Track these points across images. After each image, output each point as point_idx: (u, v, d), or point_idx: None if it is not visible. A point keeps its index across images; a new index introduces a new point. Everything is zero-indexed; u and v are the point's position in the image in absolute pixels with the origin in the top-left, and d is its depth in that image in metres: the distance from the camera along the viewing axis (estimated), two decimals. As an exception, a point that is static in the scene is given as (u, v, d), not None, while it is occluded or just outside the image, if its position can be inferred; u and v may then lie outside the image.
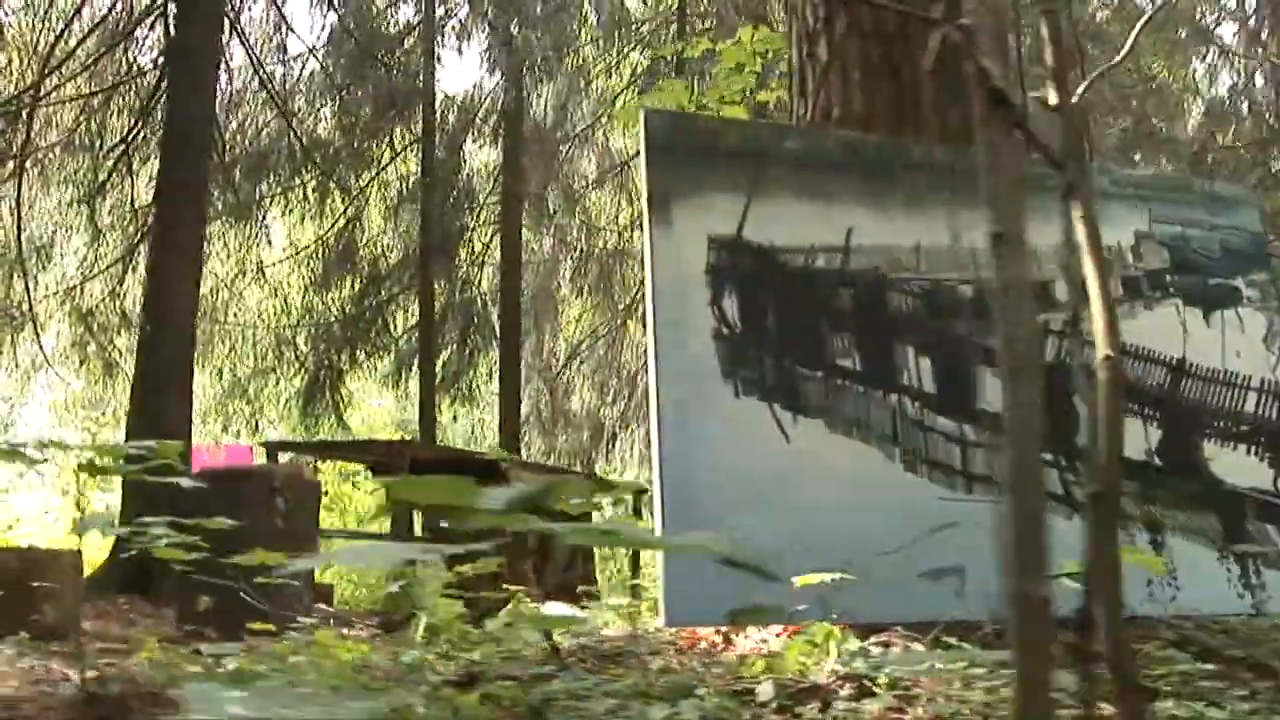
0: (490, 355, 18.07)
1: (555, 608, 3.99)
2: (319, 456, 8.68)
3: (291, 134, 15.49)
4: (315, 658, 3.59)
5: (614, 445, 22.64)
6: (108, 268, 14.68)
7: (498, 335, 17.70)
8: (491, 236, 17.36)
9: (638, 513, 11.21)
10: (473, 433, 20.45)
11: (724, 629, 3.56)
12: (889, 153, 4.26)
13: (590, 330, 21.80)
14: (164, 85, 12.92)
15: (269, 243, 16.41)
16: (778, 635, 3.60)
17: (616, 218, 21.02)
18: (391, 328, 16.61)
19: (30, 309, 14.19)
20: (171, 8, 13.04)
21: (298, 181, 16.12)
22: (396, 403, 23.98)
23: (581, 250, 20.16)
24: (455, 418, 21.62)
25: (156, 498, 9.95)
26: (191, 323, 10.98)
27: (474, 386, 17.95)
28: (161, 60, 13.47)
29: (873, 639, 3.23)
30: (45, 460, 3.27)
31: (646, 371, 3.68)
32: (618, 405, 22.61)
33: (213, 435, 16.74)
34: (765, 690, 2.85)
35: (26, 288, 14.05)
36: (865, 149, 4.25)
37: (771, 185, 4.02)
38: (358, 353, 16.30)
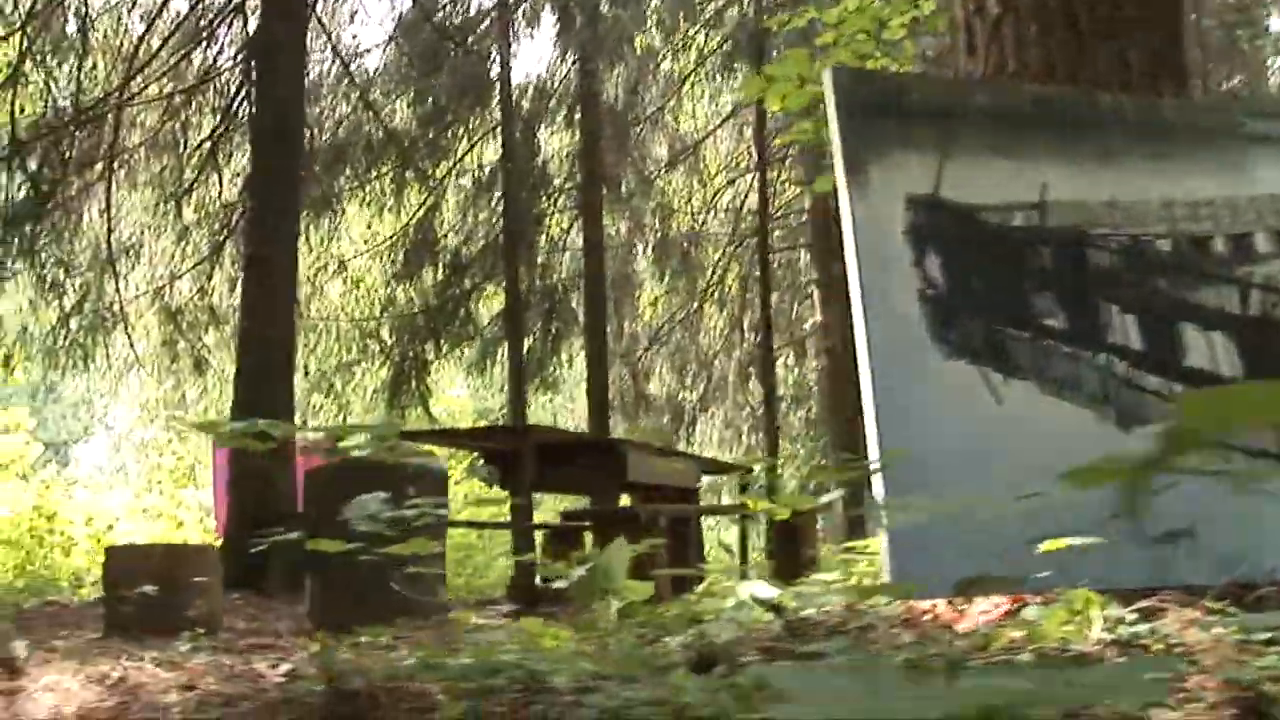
0: (571, 341, 18.01)
1: (754, 587, 3.86)
2: (438, 445, 8.59)
3: (373, 124, 15.47)
4: (526, 643, 3.50)
5: (694, 429, 22.57)
6: (195, 266, 14.71)
7: (579, 320, 17.65)
8: (571, 223, 17.29)
9: (743, 490, 11.15)
10: (554, 419, 20.39)
11: (951, 600, 3.43)
12: (1079, 105, 4.10)
13: (668, 315, 21.74)
14: (247, 81, 12.93)
15: (349, 236, 16.40)
16: (997, 606, 3.47)
17: (690, 200, 20.93)
18: (475, 316, 16.57)
19: (121, 309, 14.24)
20: (251, 2, 13.05)
21: (375, 173, 16.12)
22: (474, 392, 24.03)
23: (657, 234, 20.09)
24: (535, 406, 21.67)
25: (263, 493, 9.95)
26: (292, 315, 10.97)
27: (557, 373, 17.89)
28: (242, 56, 13.47)
29: (1135, 605, 3.07)
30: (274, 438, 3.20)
31: (854, 336, 3.54)
32: (696, 389, 22.53)
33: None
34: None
35: (117, 288, 14.11)
36: (1055, 102, 4.09)
37: (963, 142, 3.87)
38: (442, 342, 16.27)
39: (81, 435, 29.14)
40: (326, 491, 6.64)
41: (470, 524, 9.66)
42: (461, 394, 23.08)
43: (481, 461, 9.00)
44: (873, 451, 3.46)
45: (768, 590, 3.73)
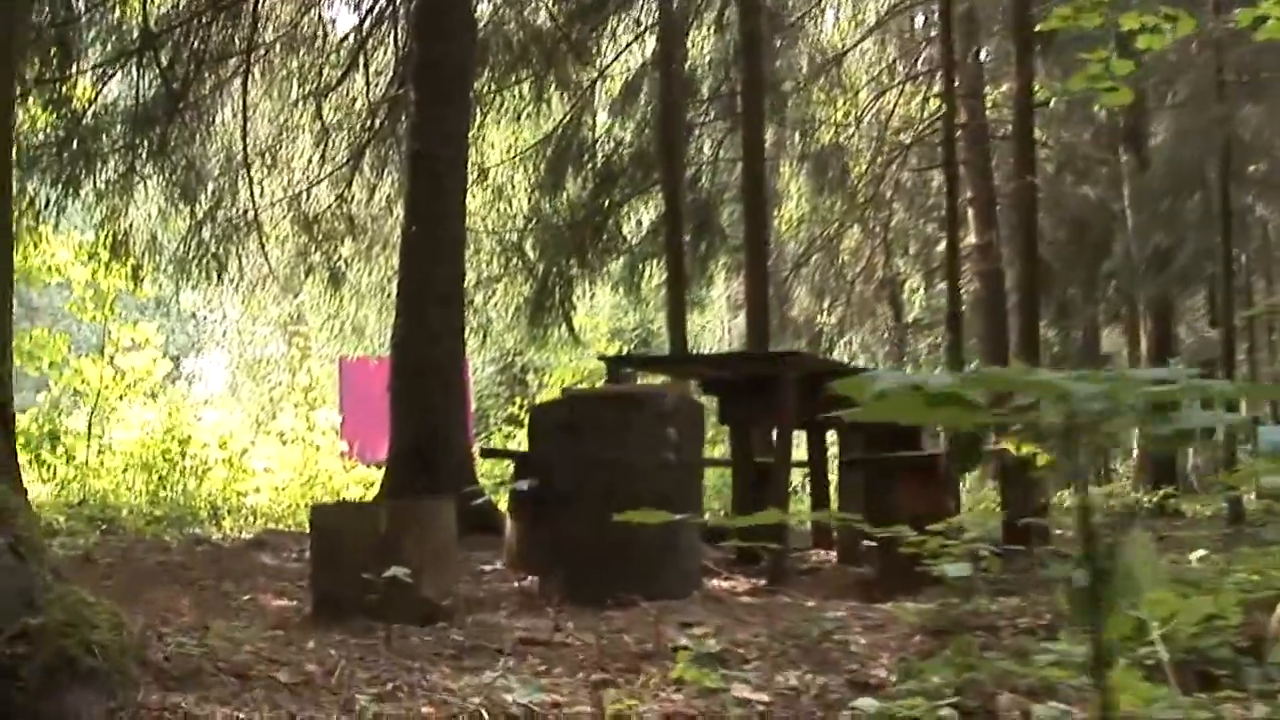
0: (720, 259, 16.51)
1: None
2: (672, 374, 7.13)
3: (515, 21, 13.94)
4: None
5: (830, 354, 21.07)
6: (334, 171, 13.32)
7: (725, 236, 16.15)
8: (726, 134, 15.70)
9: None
10: (696, 340, 18.88)
11: None
12: None
13: (808, 235, 20.18)
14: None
15: (489, 142, 14.93)
16: None
17: (835, 113, 19.29)
18: (623, 230, 15.08)
19: (255, 217, 12.92)
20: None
21: (514, 77, 14.61)
22: (611, 311, 22.63)
23: (801, 148, 18.51)
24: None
25: (433, 425, 8.56)
26: (463, 220, 9.57)
27: (704, 293, 16.42)
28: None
29: None
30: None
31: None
32: (835, 312, 20.99)
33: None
34: None
35: (251, 195, 12.78)
36: None
37: None
38: (589, 257, 14.81)
39: (199, 351, 28.01)
40: (565, 429, 5.24)
41: (714, 461, 8.17)
42: (596, 313, 21.66)
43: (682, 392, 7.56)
44: None
45: None
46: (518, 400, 16.17)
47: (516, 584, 5.70)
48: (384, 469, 9.14)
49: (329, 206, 13.38)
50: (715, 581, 6.18)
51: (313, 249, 13.60)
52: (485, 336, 15.12)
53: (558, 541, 5.23)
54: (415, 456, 8.65)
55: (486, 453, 8.57)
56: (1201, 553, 4.71)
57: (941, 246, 25.15)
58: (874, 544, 5.35)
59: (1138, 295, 16.85)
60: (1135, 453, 18.44)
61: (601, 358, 6.65)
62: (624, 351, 18.82)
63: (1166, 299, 16.84)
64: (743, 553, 7.30)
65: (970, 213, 18.57)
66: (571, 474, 5.20)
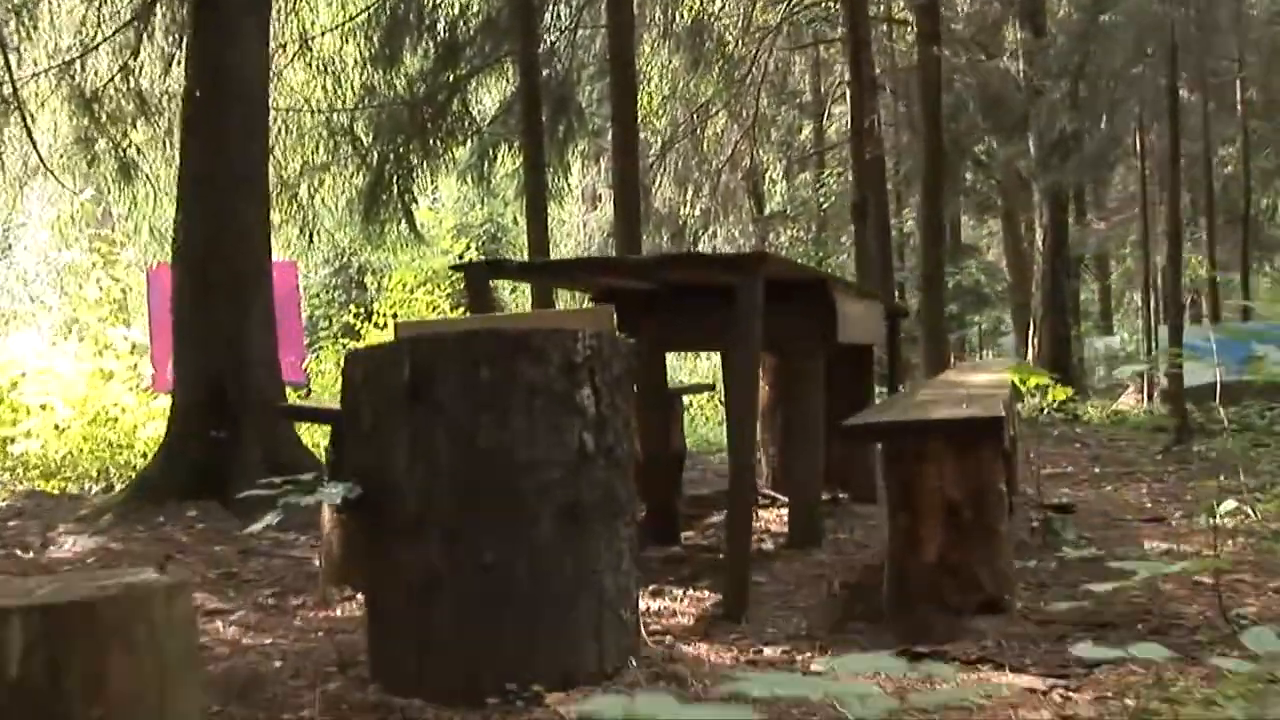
0: (579, 144, 14.12)
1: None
2: (600, 277, 4.78)
3: None
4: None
5: (694, 249, 18.92)
6: (115, 33, 10.46)
7: (585, 118, 13.75)
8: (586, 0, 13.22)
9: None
10: (551, 236, 16.47)
11: None
12: None
13: (671, 121, 17.86)
14: None
15: (313, 8, 12.20)
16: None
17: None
18: (471, 110, 12.55)
19: (15, 93, 10.04)
20: None
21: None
22: (456, 205, 20.00)
23: (664, 23, 16.13)
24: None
25: (228, 363, 6.16)
26: (266, 93, 6.96)
27: (561, 182, 14.01)
28: None
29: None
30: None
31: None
32: (699, 203, 18.80)
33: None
34: None
35: (6, 63, 9.88)
36: None
37: None
38: (431, 142, 12.26)
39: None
40: (403, 398, 2.94)
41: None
42: (437, 207, 18.98)
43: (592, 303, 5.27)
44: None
45: None
46: (353, 309, 13.58)
47: (331, 644, 3.39)
48: (167, 419, 6.63)
49: (111, 80, 10.53)
50: (658, 604, 3.98)
51: (96, 134, 10.77)
52: (312, 236, 12.50)
53: (398, 586, 2.93)
54: (204, 406, 6.20)
55: (287, 412, 6.13)
56: None
57: (805, 134, 23.22)
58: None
59: (1037, 183, 15.00)
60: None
61: (459, 266, 4.24)
62: (469, 255, 16.22)
63: (1068, 189, 15.07)
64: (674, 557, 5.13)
65: (849, 94, 16.35)
66: (415, 475, 2.90)
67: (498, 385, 2.86)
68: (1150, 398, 15.13)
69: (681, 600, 4.11)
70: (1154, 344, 18.82)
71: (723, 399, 7.40)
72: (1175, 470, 8.41)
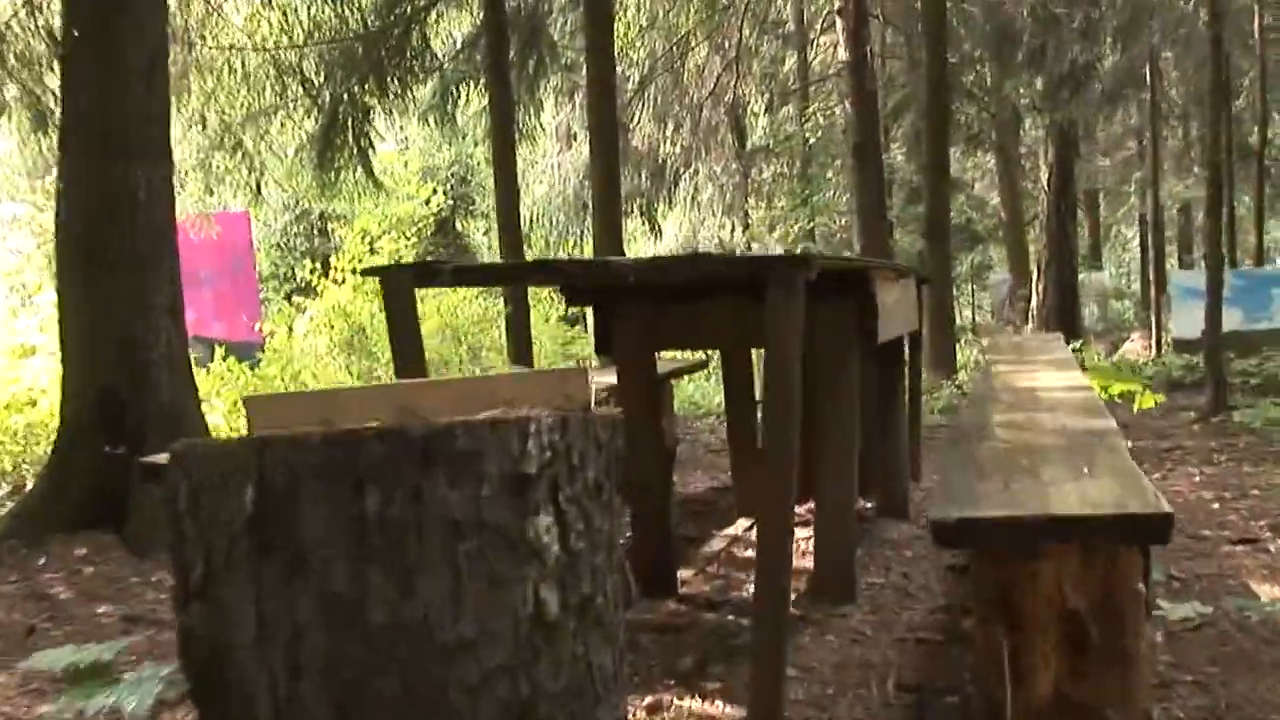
0: (551, 80, 12.85)
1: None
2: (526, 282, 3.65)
3: None
4: None
5: (675, 189, 17.74)
6: (19, -37, 9.12)
7: (558, 52, 12.48)
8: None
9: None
10: (523, 178, 15.23)
11: None
12: None
13: (649, 53, 16.55)
14: None
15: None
16: None
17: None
18: (433, 44, 11.23)
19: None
20: None
21: None
22: (421, 148, 18.58)
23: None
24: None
25: (125, 378, 4.95)
26: (163, 28, 5.65)
27: (533, 122, 12.75)
28: None
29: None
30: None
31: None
32: (679, 140, 17.53)
33: (197, 203, 11.56)
34: None
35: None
36: None
37: None
38: (388, 80, 10.96)
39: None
40: (221, 515, 1.73)
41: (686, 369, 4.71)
42: (397, 148, 17.58)
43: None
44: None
45: None
46: (309, 265, 12.33)
47: None
48: (55, 434, 5.41)
49: (14, 16, 9.17)
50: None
51: (5, 78, 9.43)
52: (258, 188, 11.21)
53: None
54: (96, 415, 5.01)
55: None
56: None
57: (789, 66, 21.85)
58: None
59: (1042, 118, 13.76)
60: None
61: (372, 270, 3.02)
62: (436, 202, 14.91)
63: (1078, 125, 13.85)
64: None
65: (839, 24, 15.06)
66: (267, 666, 1.74)
67: (397, 520, 1.69)
68: (1159, 346, 14.07)
69: (688, 718, 2.99)
70: (1148, 282, 17.74)
71: (721, 376, 6.26)
72: (1221, 449, 7.33)
